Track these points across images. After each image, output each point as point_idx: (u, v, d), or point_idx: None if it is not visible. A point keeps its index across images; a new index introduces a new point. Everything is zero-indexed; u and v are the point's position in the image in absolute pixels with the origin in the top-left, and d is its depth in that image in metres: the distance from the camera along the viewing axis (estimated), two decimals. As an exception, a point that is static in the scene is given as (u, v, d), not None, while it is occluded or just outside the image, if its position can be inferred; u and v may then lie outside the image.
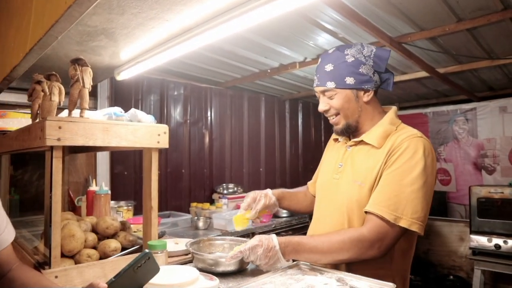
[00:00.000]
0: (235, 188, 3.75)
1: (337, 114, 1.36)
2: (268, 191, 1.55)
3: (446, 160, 4.21)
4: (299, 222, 3.44)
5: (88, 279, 1.21)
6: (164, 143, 1.42)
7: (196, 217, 2.97)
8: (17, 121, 1.87)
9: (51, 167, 1.18)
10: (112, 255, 1.36)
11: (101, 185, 1.99)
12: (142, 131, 1.36)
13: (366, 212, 1.23)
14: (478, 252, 3.12)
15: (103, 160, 2.85)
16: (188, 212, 3.36)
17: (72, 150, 2.15)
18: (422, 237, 4.18)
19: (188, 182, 3.55)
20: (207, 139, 3.74)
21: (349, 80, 1.30)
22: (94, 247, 1.38)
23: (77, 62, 1.27)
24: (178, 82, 3.50)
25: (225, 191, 3.66)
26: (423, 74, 3.23)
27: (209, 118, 3.77)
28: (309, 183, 1.70)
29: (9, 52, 1.56)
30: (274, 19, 2.35)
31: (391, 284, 1.09)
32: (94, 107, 2.81)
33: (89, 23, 1.22)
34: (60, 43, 1.36)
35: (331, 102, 1.34)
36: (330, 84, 1.31)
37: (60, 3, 0.94)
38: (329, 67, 1.32)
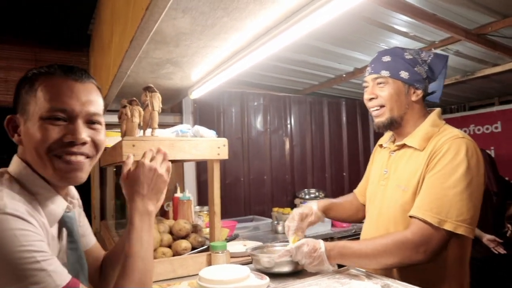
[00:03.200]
0: (317, 193, 3.80)
1: (381, 106, 1.33)
2: (314, 205, 1.54)
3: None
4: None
5: (160, 272, 1.42)
6: (224, 155, 1.58)
7: (276, 221, 3.10)
8: (113, 139, 2.23)
9: (129, 178, 1.41)
10: (183, 253, 1.56)
11: (185, 192, 2.25)
12: (203, 145, 1.53)
13: (410, 217, 1.21)
14: None
15: (189, 170, 3.17)
16: (270, 216, 3.51)
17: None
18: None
19: (270, 187, 3.71)
20: (287, 146, 3.86)
21: (404, 74, 1.30)
22: (169, 246, 1.60)
23: (147, 89, 1.50)
24: (257, 93, 3.70)
25: (306, 196, 3.73)
26: (519, 64, 2.89)
27: (289, 125, 3.89)
28: (355, 191, 1.70)
29: (101, 83, 1.90)
30: (342, 28, 2.37)
31: (435, 293, 1.07)
32: (180, 122, 3.16)
33: (154, 56, 1.45)
34: (137, 73, 1.62)
35: (380, 91, 1.33)
36: (385, 73, 1.31)
37: (123, 46, 1.16)
38: (386, 58, 1.33)
